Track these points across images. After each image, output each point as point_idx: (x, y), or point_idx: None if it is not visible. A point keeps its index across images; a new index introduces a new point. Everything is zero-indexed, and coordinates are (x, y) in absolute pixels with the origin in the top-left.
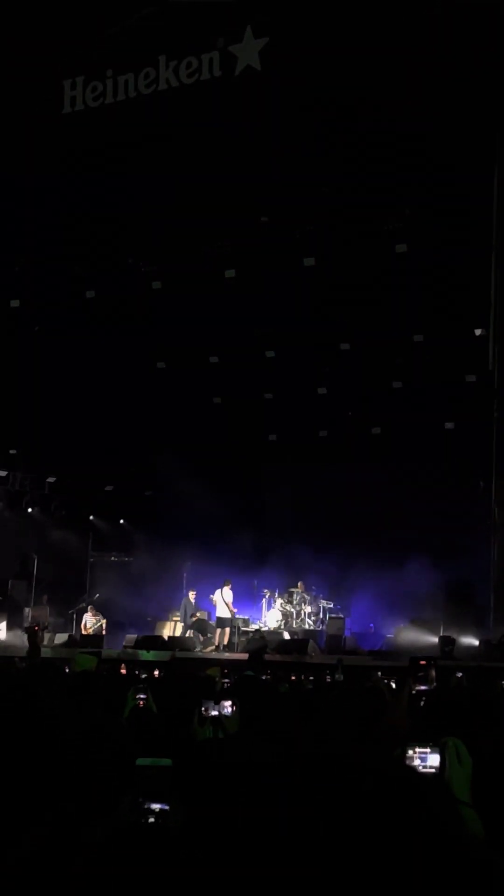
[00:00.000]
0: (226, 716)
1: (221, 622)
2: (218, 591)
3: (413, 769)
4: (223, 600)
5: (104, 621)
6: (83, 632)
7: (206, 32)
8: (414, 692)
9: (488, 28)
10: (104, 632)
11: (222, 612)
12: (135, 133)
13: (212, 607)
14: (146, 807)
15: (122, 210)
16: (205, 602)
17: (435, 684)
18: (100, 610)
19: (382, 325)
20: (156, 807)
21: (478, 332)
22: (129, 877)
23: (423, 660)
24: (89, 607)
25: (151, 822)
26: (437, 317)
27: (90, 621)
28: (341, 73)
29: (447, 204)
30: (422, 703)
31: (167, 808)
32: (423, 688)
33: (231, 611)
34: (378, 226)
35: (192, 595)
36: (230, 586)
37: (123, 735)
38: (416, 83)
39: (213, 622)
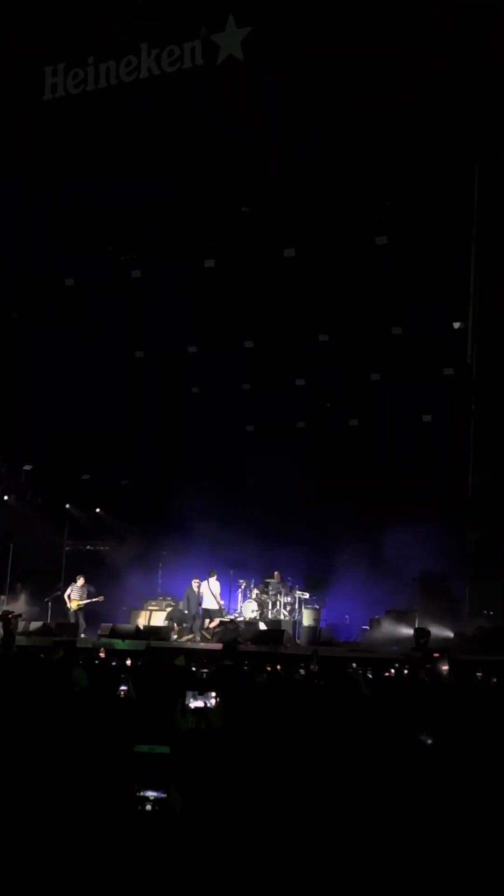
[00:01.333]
0: (210, 708)
1: (209, 613)
2: (205, 583)
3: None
4: (210, 591)
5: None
6: (67, 603)
7: (189, 21)
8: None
9: (473, 23)
10: (95, 599)
11: (209, 603)
12: (116, 121)
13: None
14: (143, 795)
15: (103, 198)
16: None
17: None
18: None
19: (361, 317)
20: (152, 795)
21: (456, 325)
22: (127, 864)
23: (436, 652)
24: (79, 578)
25: (149, 811)
26: (416, 309)
27: (76, 592)
28: (323, 63)
29: (428, 197)
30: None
31: (164, 796)
32: (443, 667)
33: (219, 602)
34: (359, 218)
35: (195, 584)
36: (216, 577)
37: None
38: (399, 75)
39: (187, 612)
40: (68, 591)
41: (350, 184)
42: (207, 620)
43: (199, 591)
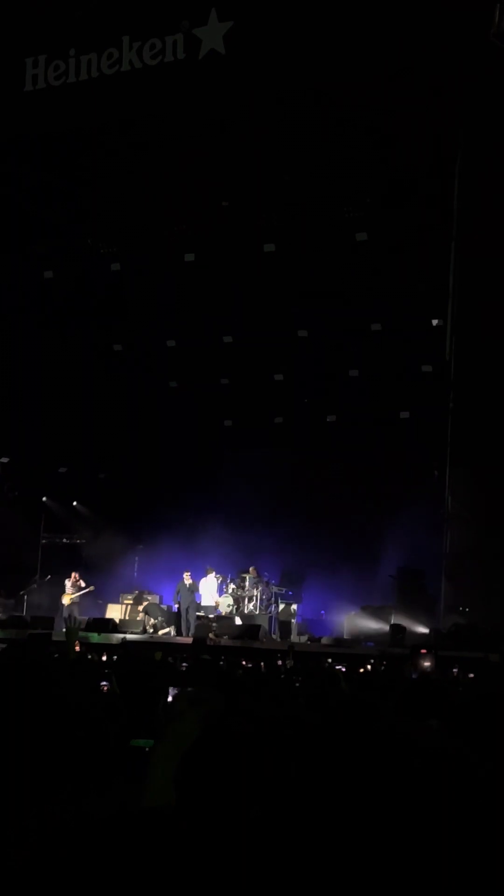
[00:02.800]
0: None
1: (207, 610)
2: (203, 579)
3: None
4: (208, 589)
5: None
6: (63, 598)
7: (171, 15)
8: (414, 676)
9: (453, 14)
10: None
11: (207, 600)
12: (96, 113)
13: (168, 593)
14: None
15: (83, 191)
16: (166, 589)
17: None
18: (51, 591)
19: (340, 313)
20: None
21: (435, 321)
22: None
23: (423, 648)
24: (73, 574)
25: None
26: (394, 306)
27: (70, 587)
28: (304, 58)
29: (408, 193)
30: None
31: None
32: (426, 664)
33: (216, 600)
34: (339, 214)
35: (187, 577)
36: (214, 574)
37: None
38: (380, 71)
39: (164, 606)
40: (64, 585)
41: (330, 179)
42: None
43: (192, 586)
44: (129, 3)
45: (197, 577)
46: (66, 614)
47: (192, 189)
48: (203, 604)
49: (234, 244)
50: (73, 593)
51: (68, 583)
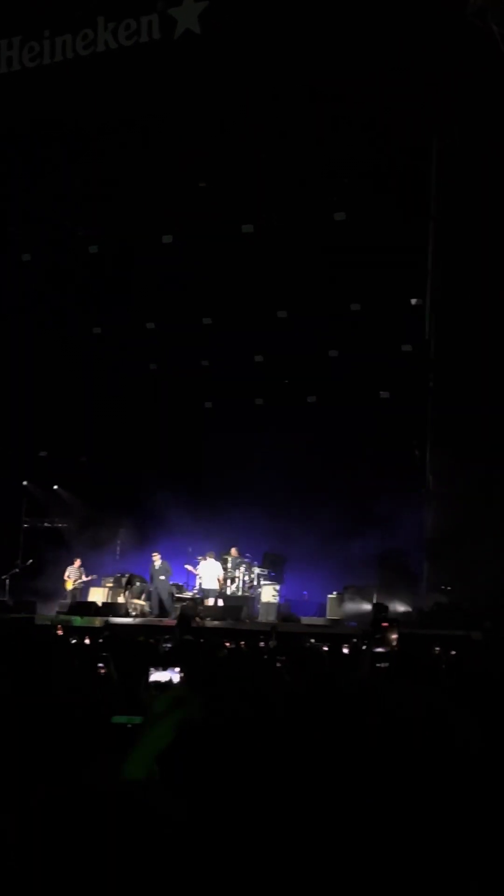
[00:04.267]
0: (174, 683)
1: (207, 593)
2: (204, 563)
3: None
4: (209, 572)
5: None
6: (66, 584)
7: None
8: (375, 652)
9: (429, 3)
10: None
11: (209, 583)
12: (72, 95)
13: (190, 576)
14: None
15: (60, 173)
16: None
17: (395, 646)
18: (34, 574)
19: (319, 293)
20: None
21: (414, 301)
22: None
23: (385, 622)
24: (75, 560)
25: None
26: (374, 286)
27: (73, 573)
28: (281, 38)
29: (386, 173)
30: (383, 665)
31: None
32: (381, 650)
33: (220, 582)
34: (317, 194)
35: (156, 558)
36: (214, 557)
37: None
38: (357, 50)
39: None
40: (67, 572)
41: (308, 159)
42: (207, 600)
43: (195, 571)
44: None
45: (192, 563)
46: (67, 600)
47: (170, 170)
48: (205, 586)
49: (212, 225)
50: (76, 579)
51: (71, 569)
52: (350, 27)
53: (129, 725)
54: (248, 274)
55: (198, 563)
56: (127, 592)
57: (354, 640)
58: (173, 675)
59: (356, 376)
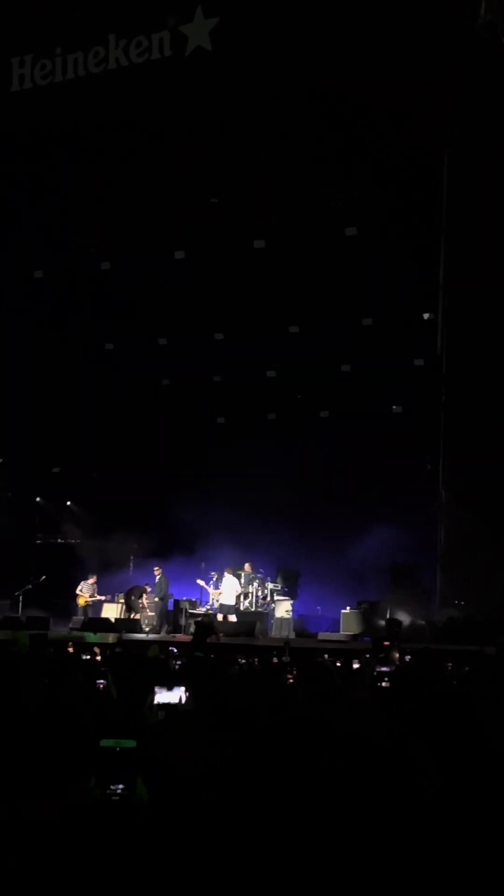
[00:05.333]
0: (179, 704)
1: (223, 608)
2: (225, 580)
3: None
4: (229, 588)
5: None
6: (78, 600)
7: (157, 12)
8: (376, 672)
9: (439, 11)
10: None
11: (228, 599)
12: (83, 112)
13: (203, 591)
14: (108, 789)
15: (71, 189)
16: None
17: (396, 665)
18: (45, 591)
19: (331, 308)
20: (118, 788)
21: (426, 315)
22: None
23: (386, 641)
24: (91, 576)
25: (115, 801)
26: (385, 300)
27: (87, 589)
28: (292, 53)
29: (397, 187)
30: (384, 684)
31: (128, 788)
32: (385, 668)
33: (237, 598)
34: (329, 209)
35: (157, 572)
36: (231, 572)
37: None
38: (368, 64)
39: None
40: (80, 587)
41: (320, 174)
42: (222, 616)
43: (210, 587)
44: (115, 1)
45: (205, 578)
46: (79, 616)
47: (182, 186)
48: (222, 601)
49: (224, 241)
50: (88, 596)
51: (85, 584)
52: (361, 40)
53: (118, 749)
54: (259, 289)
55: (211, 579)
56: (132, 598)
57: (367, 655)
58: (180, 695)
59: (368, 390)
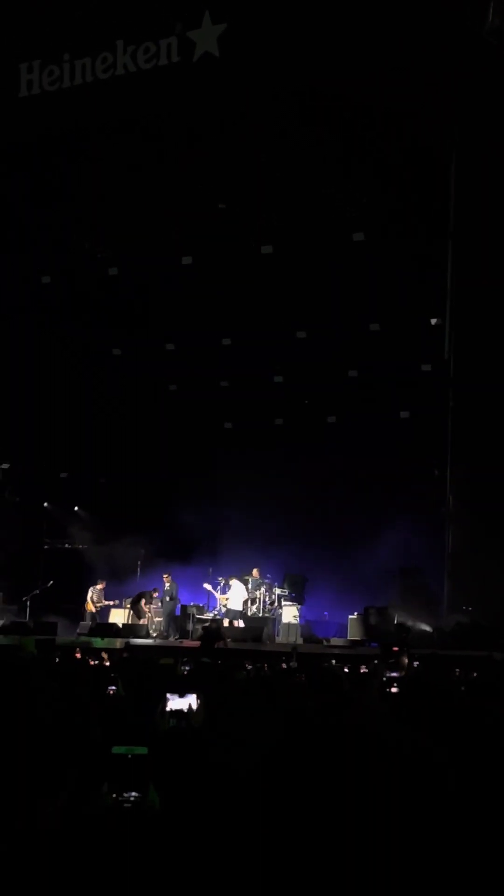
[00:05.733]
0: (191, 711)
1: (230, 614)
2: (233, 585)
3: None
4: (237, 593)
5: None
6: (87, 606)
7: (164, 18)
8: (385, 678)
9: (445, 17)
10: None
11: (235, 604)
12: (92, 118)
13: (211, 596)
14: (121, 796)
15: (79, 195)
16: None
17: (405, 671)
18: (53, 596)
19: (339, 313)
20: (130, 795)
21: (433, 320)
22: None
23: (395, 646)
24: (100, 582)
25: (126, 809)
26: (393, 306)
27: (96, 595)
28: (300, 59)
29: (404, 192)
30: (393, 689)
31: (141, 796)
32: (394, 674)
33: (244, 604)
34: (336, 214)
35: (167, 579)
36: (238, 578)
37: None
38: (375, 70)
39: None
40: (90, 593)
41: (327, 180)
42: (228, 621)
43: (217, 592)
44: (123, 7)
45: (213, 583)
46: (87, 622)
47: (189, 192)
48: (230, 607)
49: (231, 246)
50: (97, 602)
51: (94, 590)
52: (368, 47)
53: (130, 756)
54: (267, 294)
55: (218, 584)
56: (140, 603)
57: (376, 660)
58: (191, 702)
59: (376, 396)
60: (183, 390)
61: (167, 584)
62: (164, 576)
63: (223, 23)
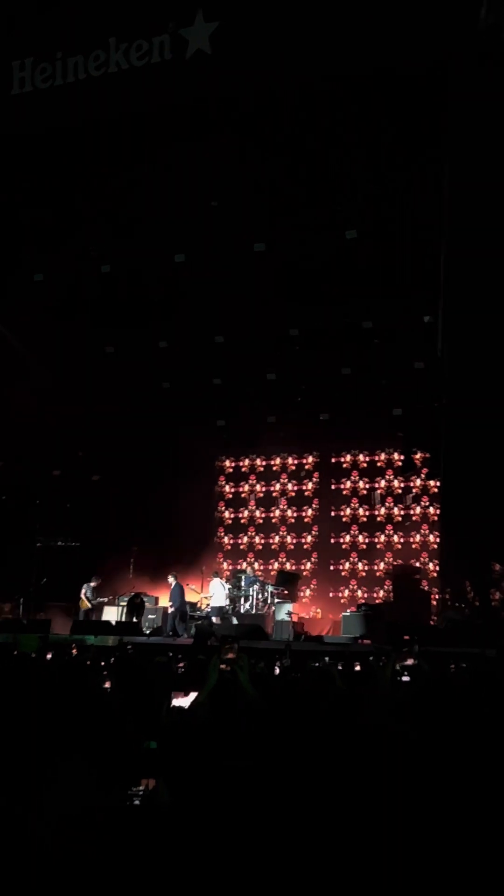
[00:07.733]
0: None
1: (216, 611)
2: (215, 581)
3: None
4: (218, 591)
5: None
6: (80, 603)
7: (157, 15)
8: (399, 667)
9: (439, 13)
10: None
11: (218, 602)
12: (84, 115)
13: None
14: (131, 789)
15: (72, 193)
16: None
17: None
18: (47, 595)
19: (331, 311)
20: (140, 789)
21: (426, 318)
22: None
23: (407, 635)
24: (93, 579)
25: (136, 804)
26: (386, 303)
27: (89, 592)
28: (292, 57)
29: (397, 190)
30: (405, 678)
31: (151, 790)
32: (408, 662)
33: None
34: (328, 212)
35: (171, 580)
36: (220, 576)
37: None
38: (367, 67)
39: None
40: (83, 590)
41: (319, 177)
42: (216, 619)
43: (200, 592)
44: (116, 5)
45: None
46: (82, 618)
47: (182, 189)
48: (213, 604)
49: (223, 244)
50: (91, 599)
51: (87, 587)
52: (360, 43)
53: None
54: (259, 292)
55: (201, 583)
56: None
57: (371, 657)
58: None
59: (369, 393)
60: (176, 388)
61: (172, 585)
62: (169, 577)
63: (215, 21)
